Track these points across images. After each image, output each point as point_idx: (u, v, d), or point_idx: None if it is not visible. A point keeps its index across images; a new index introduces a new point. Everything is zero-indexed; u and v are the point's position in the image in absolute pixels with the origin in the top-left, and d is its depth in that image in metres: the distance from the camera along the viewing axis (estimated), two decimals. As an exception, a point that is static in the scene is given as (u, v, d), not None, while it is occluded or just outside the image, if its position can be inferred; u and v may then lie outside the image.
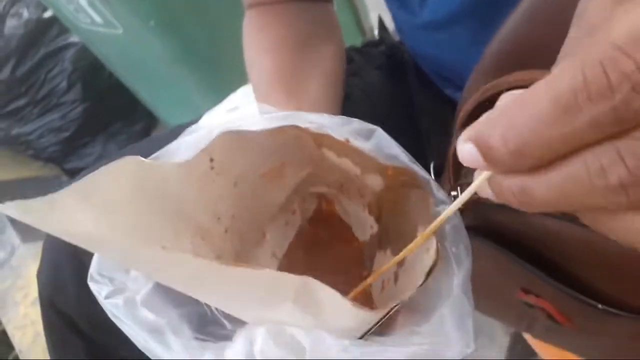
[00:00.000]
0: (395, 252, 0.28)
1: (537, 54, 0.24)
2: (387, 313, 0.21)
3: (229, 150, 0.26)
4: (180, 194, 0.26)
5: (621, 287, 0.28)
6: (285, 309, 0.19)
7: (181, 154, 0.26)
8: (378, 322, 0.22)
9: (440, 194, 0.25)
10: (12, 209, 0.15)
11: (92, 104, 1.25)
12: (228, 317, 0.25)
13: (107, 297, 0.23)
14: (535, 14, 0.25)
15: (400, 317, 0.24)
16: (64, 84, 1.22)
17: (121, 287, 0.24)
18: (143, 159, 0.24)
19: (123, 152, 0.50)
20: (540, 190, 0.14)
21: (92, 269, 0.24)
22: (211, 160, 0.26)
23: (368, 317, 0.20)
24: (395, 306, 0.21)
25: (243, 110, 0.27)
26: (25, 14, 1.22)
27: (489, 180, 0.16)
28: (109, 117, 1.30)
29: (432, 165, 0.39)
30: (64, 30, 1.19)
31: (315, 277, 0.32)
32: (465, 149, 0.15)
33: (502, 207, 0.25)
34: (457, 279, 0.22)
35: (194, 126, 0.28)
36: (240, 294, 0.19)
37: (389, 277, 0.28)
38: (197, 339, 0.23)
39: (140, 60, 0.94)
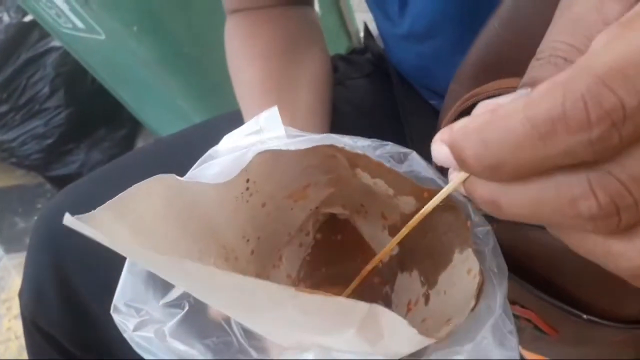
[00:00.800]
0: (424, 273, 0.28)
1: (514, 61, 0.24)
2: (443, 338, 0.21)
3: (264, 171, 0.26)
4: (213, 214, 0.25)
5: (606, 297, 0.29)
6: (346, 336, 0.19)
7: (213, 175, 0.25)
8: None
9: (477, 217, 0.25)
10: (83, 225, 0.15)
11: (76, 110, 1.23)
12: (255, 346, 0.25)
13: (135, 330, 0.23)
14: (511, 22, 0.25)
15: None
16: (46, 90, 1.19)
17: (147, 317, 0.23)
18: (176, 177, 0.23)
19: (108, 166, 0.49)
20: (508, 205, 0.14)
21: (117, 299, 0.23)
22: (247, 180, 0.26)
23: (426, 342, 0.20)
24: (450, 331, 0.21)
25: (268, 133, 0.26)
26: (6, 18, 1.19)
27: (464, 182, 0.16)
28: (93, 123, 1.27)
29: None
30: (45, 35, 1.17)
31: (334, 288, 0.31)
32: (440, 150, 0.15)
33: (487, 219, 0.26)
34: (499, 298, 0.22)
35: (213, 149, 0.27)
36: (303, 321, 0.19)
37: (416, 299, 0.28)
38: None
39: (124, 66, 0.93)
